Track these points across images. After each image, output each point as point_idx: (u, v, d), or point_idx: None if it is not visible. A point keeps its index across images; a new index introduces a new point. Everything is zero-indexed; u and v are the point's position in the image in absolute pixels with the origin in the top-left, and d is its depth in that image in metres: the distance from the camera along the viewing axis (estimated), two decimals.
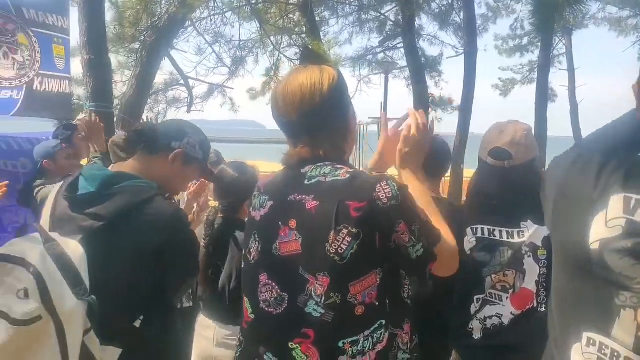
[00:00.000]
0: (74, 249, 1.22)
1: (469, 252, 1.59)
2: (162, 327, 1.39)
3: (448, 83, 11.93)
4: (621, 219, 0.76)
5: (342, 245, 1.04)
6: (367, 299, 1.06)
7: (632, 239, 0.75)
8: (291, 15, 9.80)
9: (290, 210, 1.12)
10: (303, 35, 9.33)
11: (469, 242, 1.61)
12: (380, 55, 12.00)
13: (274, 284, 1.13)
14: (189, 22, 8.28)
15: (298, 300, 1.09)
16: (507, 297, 1.54)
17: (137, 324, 1.30)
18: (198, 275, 1.52)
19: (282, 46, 9.56)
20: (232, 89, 10.30)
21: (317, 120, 1.15)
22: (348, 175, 1.09)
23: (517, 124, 1.58)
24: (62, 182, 1.44)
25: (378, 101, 12.29)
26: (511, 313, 1.53)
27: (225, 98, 10.64)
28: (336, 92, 1.16)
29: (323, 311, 1.06)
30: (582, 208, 0.80)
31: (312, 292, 1.07)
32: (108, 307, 1.22)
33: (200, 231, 2.11)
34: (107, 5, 5.80)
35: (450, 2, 11.17)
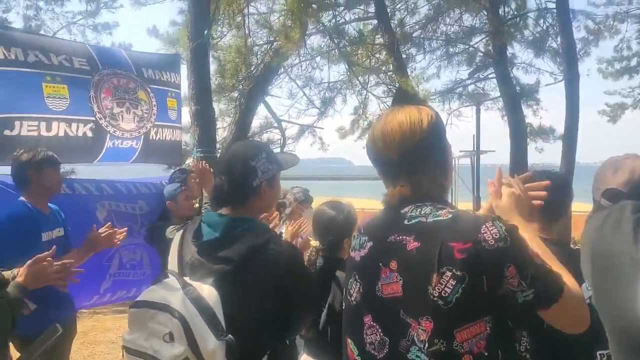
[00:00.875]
0: (208, 292, 1.30)
1: (587, 302, 1.43)
2: None
3: (547, 111, 11.21)
4: None
5: (446, 289, 0.99)
6: (475, 348, 0.99)
7: None
8: (378, 55, 9.99)
9: (391, 251, 1.11)
10: (390, 73, 9.43)
11: (587, 289, 1.44)
12: (471, 87, 11.69)
13: (377, 326, 1.11)
14: (282, 69, 8.79)
15: (400, 345, 1.05)
16: None
17: (265, 359, 1.36)
18: (318, 311, 1.55)
19: (369, 85, 9.73)
20: (322, 128, 10.62)
21: (418, 159, 1.15)
22: (450, 215, 1.06)
23: (636, 160, 1.38)
24: (182, 230, 1.57)
25: (469, 134, 11.88)
26: None
27: (315, 137, 10.97)
28: (435, 130, 1.17)
29: (427, 358, 1.00)
30: (624, 273, 0.70)
31: (415, 337, 1.03)
32: (240, 344, 1.27)
33: None
34: (210, 59, 6.37)
35: (545, 28, 10.68)
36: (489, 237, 1.00)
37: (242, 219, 1.45)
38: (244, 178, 1.50)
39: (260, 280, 1.34)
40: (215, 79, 7.98)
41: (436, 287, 1.00)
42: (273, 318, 1.36)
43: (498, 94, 10.46)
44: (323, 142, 10.92)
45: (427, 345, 1.01)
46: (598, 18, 11.40)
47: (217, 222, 1.43)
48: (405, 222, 1.12)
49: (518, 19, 10.78)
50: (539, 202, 1.30)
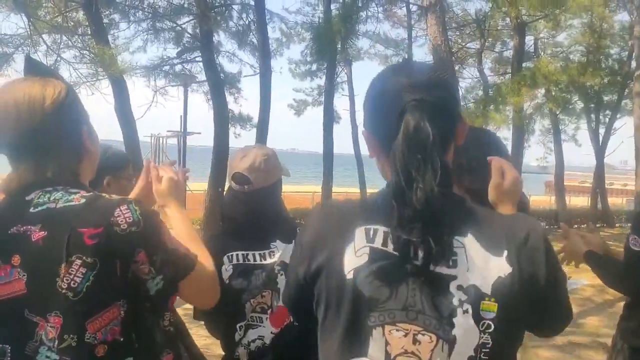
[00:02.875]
0: None
1: (227, 281, 1.58)
2: None
3: (247, 100, 12.32)
4: (366, 247, 0.86)
5: (75, 278, 0.93)
6: (109, 335, 0.97)
7: (375, 264, 0.85)
8: (72, 14, 8.77)
9: (12, 244, 0.98)
10: (87, 37, 8.43)
11: (227, 270, 1.59)
12: (178, 67, 11.67)
13: None
14: None
15: (26, 349, 0.95)
16: (266, 318, 1.59)
17: None
18: None
19: (60, 46, 8.45)
20: None
21: (40, 140, 1.03)
22: (83, 200, 0.99)
23: (259, 149, 1.65)
24: None
25: (177, 113, 11.91)
26: (271, 332, 1.59)
27: None
28: (63, 108, 1.05)
29: (57, 357, 0.94)
30: (335, 247, 0.89)
31: (43, 337, 0.94)
32: None
33: None
34: None
35: (247, 23, 11.61)
36: (122, 220, 0.97)
37: None
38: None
39: None
40: None
41: (64, 278, 0.93)
42: None
43: (204, 77, 10.80)
44: None
45: (57, 342, 0.94)
46: (290, 24, 13.19)
47: None
48: (31, 210, 0.99)
49: (224, 8, 11.36)
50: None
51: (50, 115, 1.03)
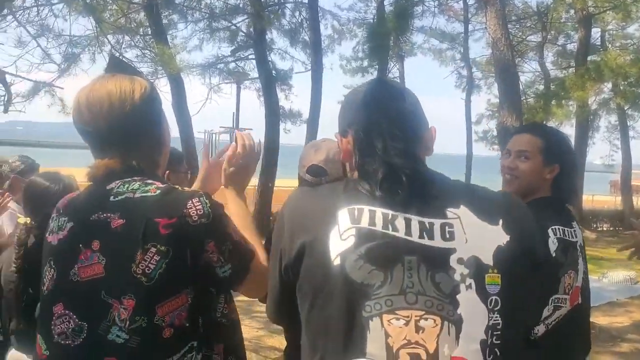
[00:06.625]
0: None
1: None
2: None
3: (298, 96, 12.38)
4: (352, 229, 0.80)
5: (149, 265, 0.99)
6: (177, 320, 1.02)
7: (363, 245, 0.78)
8: (134, 15, 9.18)
9: (93, 230, 1.04)
10: (147, 37, 8.80)
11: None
12: (232, 65, 11.93)
13: (71, 313, 1.04)
14: (6, 10, 7.17)
15: (100, 328, 1.01)
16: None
17: None
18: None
19: (123, 46, 8.87)
20: (62, 88, 9.08)
21: (128, 129, 1.10)
22: (159, 191, 1.05)
23: (331, 142, 1.67)
24: None
25: (229, 110, 12.20)
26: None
27: (55, 98, 9.34)
28: (149, 102, 1.13)
29: (127, 337, 0.99)
30: (318, 232, 0.83)
31: (116, 317, 1.00)
32: None
33: (10, 254, 1.86)
34: None
35: (299, 20, 11.70)
36: (193, 212, 1.02)
37: None
38: None
39: None
40: None
41: (140, 264, 0.99)
42: None
43: (256, 75, 10.98)
44: (65, 105, 9.42)
45: (128, 323, 0.99)
46: (342, 20, 13.14)
47: None
48: (112, 198, 1.06)
49: (277, 7, 11.50)
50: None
51: (138, 108, 1.10)
